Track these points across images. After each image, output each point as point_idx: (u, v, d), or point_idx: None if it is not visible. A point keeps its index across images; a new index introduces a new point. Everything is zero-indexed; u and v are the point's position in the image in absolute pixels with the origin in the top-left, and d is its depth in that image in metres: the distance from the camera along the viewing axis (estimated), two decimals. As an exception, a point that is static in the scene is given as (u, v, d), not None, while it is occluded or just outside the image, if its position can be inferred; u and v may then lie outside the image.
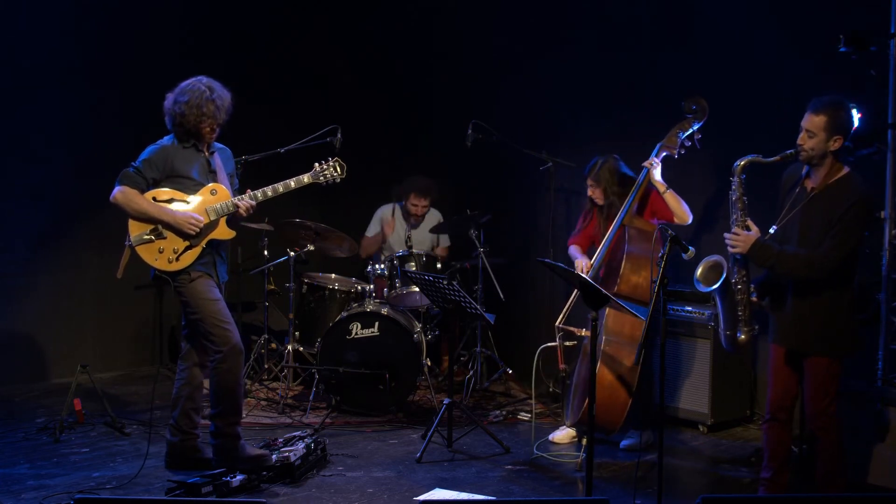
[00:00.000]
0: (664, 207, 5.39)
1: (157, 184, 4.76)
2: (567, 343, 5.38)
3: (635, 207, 5.40)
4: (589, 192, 5.58)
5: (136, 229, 4.73)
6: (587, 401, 4.98)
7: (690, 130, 5.40)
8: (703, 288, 4.28)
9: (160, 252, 4.73)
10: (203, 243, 4.80)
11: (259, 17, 7.73)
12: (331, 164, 5.05)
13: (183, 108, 4.71)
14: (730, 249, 4.25)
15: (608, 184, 5.46)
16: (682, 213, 5.35)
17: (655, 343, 5.34)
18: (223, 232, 4.87)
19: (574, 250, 5.64)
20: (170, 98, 4.80)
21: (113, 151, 6.73)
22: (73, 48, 6.85)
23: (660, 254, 4.22)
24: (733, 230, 4.25)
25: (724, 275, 4.19)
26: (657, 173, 5.35)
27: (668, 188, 5.34)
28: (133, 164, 4.76)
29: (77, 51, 6.87)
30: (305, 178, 4.98)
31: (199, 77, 4.82)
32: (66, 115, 6.83)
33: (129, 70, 7.01)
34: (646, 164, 5.37)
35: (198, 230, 4.73)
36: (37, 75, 6.68)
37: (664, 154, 5.40)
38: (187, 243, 4.76)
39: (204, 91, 4.74)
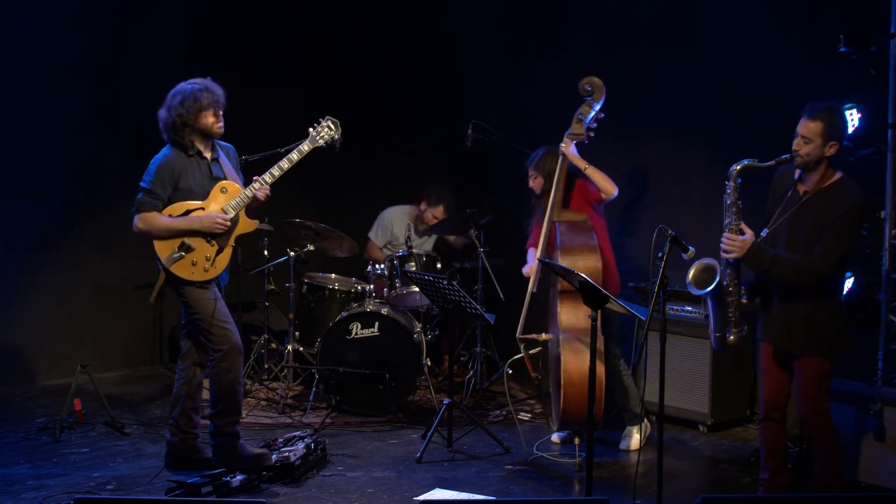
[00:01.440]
0: (592, 189, 5.35)
1: (168, 199, 4.75)
2: (532, 351, 5.38)
3: (561, 200, 5.36)
4: (530, 183, 5.56)
5: (164, 250, 4.70)
6: (562, 401, 5.00)
7: (592, 113, 5.37)
8: (695, 291, 4.28)
9: (193, 265, 4.72)
10: (231, 242, 4.81)
11: (259, 17, 7.74)
12: (323, 124, 4.96)
13: (179, 110, 4.68)
14: (724, 255, 4.25)
15: (547, 173, 5.43)
16: (608, 186, 5.29)
17: (648, 342, 5.37)
18: (246, 225, 4.86)
19: (530, 254, 5.61)
20: (162, 111, 4.76)
21: (113, 151, 6.79)
22: (73, 48, 6.85)
23: (659, 254, 4.22)
24: (725, 234, 4.25)
25: (718, 278, 4.19)
26: (573, 150, 5.30)
27: (588, 164, 5.29)
28: (142, 186, 4.73)
29: (77, 51, 6.87)
30: (305, 147, 4.89)
31: (178, 84, 4.80)
32: (66, 115, 6.83)
33: (129, 70, 7.01)
34: (561, 147, 5.33)
35: (227, 226, 4.72)
36: (37, 75, 6.68)
37: (575, 142, 5.37)
38: (216, 248, 4.75)
39: (193, 86, 4.73)
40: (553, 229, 5.30)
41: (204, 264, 4.72)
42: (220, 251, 4.77)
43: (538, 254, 5.35)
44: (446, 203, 6.84)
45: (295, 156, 4.85)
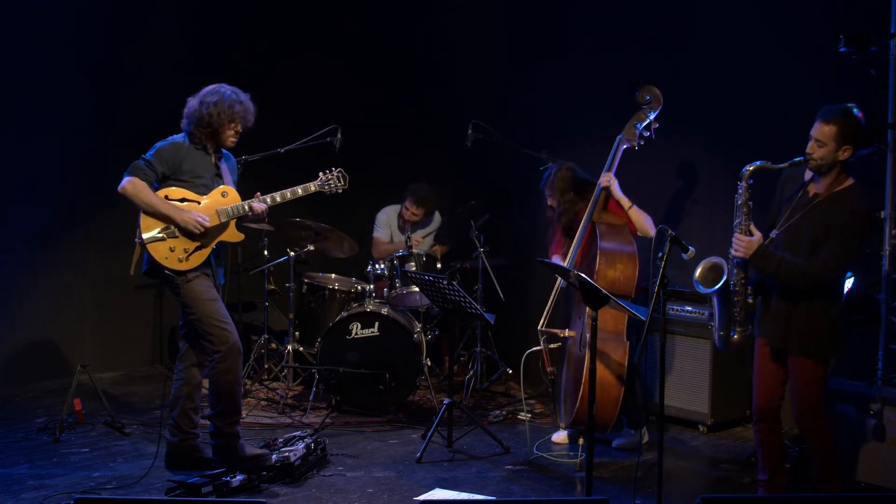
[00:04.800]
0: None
1: (165, 179, 4.77)
2: (551, 345, 5.39)
3: (602, 203, 5.37)
4: (549, 202, 5.59)
5: (148, 227, 4.73)
6: (579, 402, 5.00)
7: (647, 121, 5.40)
8: (702, 289, 4.28)
9: (171, 251, 4.74)
10: (213, 244, 4.84)
11: (259, 17, 7.74)
12: (335, 174, 5.15)
13: (211, 109, 4.75)
14: (733, 252, 4.25)
15: (562, 192, 5.46)
16: (646, 228, 5.34)
17: (648, 342, 5.37)
18: (233, 234, 4.93)
19: (556, 259, 5.61)
20: (193, 102, 4.83)
21: (113, 151, 6.75)
22: (73, 49, 6.85)
23: (659, 254, 4.22)
24: (736, 234, 4.25)
25: (725, 277, 4.19)
26: (617, 189, 5.32)
27: (632, 205, 5.31)
28: (143, 156, 4.77)
29: (77, 51, 6.87)
30: (312, 187, 5.08)
31: (220, 84, 4.87)
32: (66, 115, 6.83)
33: (129, 70, 7.01)
34: (601, 182, 5.33)
35: (201, 231, 4.75)
36: (37, 76, 6.68)
37: (625, 146, 5.39)
38: (198, 243, 4.78)
39: (231, 94, 4.82)
40: (592, 228, 5.29)
41: (180, 254, 4.75)
42: (199, 248, 4.80)
43: (570, 252, 5.36)
44: (415, 196, 6.84)
45: (300, 191, 5.03)
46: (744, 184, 4.25)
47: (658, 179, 6.42)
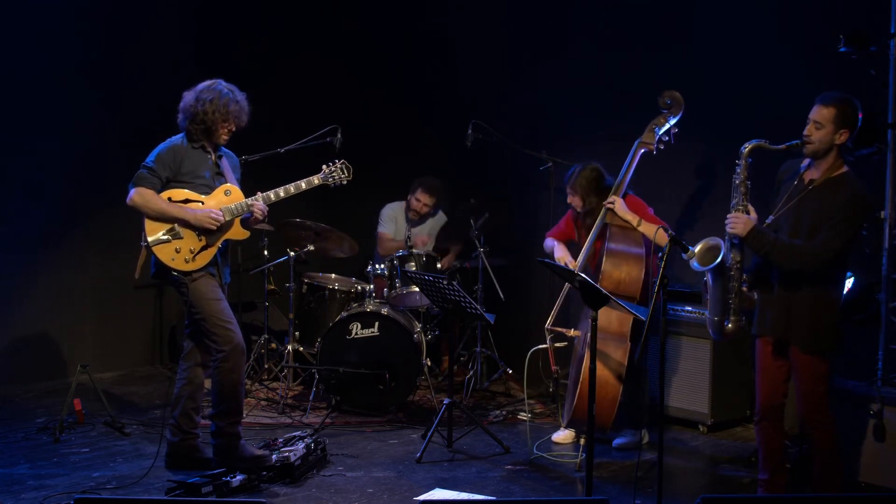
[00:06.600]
0: (640, 206, 5.37)
1: (168, 182, 4.78)
2: (557, 344, 5.38)
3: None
4: (568, 200, 5.57)
5: (152, 231, 4.74)
6: (576, 399, 5.01)
7: (667, 126, 5.39)
8: (698, 267, 4.27)
9: (177, 252, 4.75)
10: (218, 243, 4.85)
11: (259, 17, 7.74)
12: (338, 165, 5.13)
13: (206, 106, 4.75)
14: (728, 229, 4.24)
15: (585, 192, 5.44)
16: (661, 239, 5.28)
17: (649, 342, 5.36)
18: (238, 232, 4.94)
19: (550, 241, 5.63)
20: (189, 96, 4.82)
21: (113, 152, 6.79)
22: (73, 49, 6.85)
23: (659, 254, 4.22)
24: (733, 213, 4.25)
25: (721, 256, 4.19)
26: (622, 208, 5.28)
27: (640, 221, 5.27)
28: (145, 164, 4.78)
29: (77, 51, 6.87)
30: (315, 180, 5.06)
31: (216, 80, 4.87)
32: (66, 115, 6.82)
33: (129, 70, 7.01)
34: (606, 202, 5.30)
35: (218, 226, 4.77)
36: (37, 76, 6.68)
37: (643, 151, 5.38)
38: (203, 243, 4.79)
39: (227, 92, 4.81)
40: (604, 230, 5.29)
41: (186, 255, 4.76)
42: (205, 248, 4.80)
43: (582, 252, 5.35)
44: (426, 185, 6.87)
45: (303, 185, 5.01)
46: (742, 162, 4.26)
47: (657, 179, 6.42)
